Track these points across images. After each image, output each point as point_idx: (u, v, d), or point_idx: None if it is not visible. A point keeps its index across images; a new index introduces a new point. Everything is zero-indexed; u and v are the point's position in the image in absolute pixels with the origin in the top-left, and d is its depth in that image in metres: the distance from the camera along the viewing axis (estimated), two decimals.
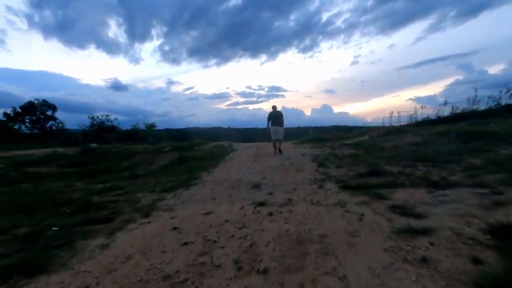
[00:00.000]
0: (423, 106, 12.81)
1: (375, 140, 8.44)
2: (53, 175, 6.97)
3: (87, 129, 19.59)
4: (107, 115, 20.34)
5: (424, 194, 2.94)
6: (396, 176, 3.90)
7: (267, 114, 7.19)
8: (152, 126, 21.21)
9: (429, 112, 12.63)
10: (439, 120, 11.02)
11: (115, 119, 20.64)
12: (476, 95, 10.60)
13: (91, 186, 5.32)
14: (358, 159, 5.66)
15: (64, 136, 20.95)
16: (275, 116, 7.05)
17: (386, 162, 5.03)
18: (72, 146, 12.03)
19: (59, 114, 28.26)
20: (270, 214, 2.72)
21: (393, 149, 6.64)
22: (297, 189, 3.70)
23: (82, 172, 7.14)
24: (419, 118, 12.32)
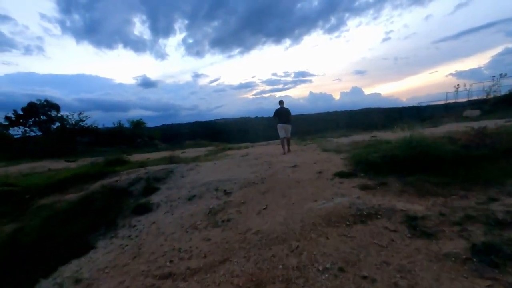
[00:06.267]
0: (504, 74, 10.37)
1: None
2: None
3: (53, 131, 16.43)
4: (80, 113, 17.03)
5: None
6: None
7: (274, 110, 6.49)
8: (139, 123, 16.94)
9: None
10: None
11: (87, 117, 17.27)
12: None
13: None
14: None
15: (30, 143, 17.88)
16: (283, 113, 6.33)
17: None
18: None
19: (97, 114, 26.64)
20: None
21: None
22: None
23: None
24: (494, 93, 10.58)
